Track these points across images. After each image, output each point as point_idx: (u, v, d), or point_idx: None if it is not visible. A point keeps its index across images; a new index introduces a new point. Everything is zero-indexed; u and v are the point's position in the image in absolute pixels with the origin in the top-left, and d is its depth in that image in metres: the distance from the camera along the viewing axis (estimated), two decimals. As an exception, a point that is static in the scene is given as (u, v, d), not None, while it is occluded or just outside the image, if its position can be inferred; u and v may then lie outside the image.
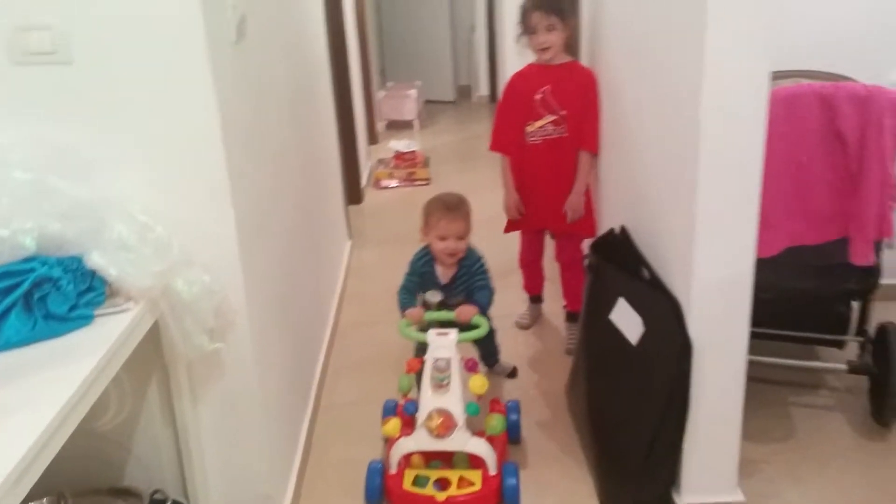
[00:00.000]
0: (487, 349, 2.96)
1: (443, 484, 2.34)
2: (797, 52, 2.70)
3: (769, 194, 2.04)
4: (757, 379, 2.49)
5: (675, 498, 2.25)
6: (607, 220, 3.01)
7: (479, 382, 2.42)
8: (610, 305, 2.32)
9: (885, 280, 2.70)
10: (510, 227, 3.39)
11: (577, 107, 3.09)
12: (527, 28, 3.07)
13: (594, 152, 3.13)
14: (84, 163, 1.73)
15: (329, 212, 3.87)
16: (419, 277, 2.72)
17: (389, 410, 2.70)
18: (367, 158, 6.45)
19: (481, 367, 2.61)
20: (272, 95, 2.55)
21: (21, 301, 1.54)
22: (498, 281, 2.76)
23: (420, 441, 2.35)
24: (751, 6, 1.84)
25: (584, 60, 3.39)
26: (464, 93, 9.75)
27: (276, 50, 2.67)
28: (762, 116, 1.93)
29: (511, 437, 2.63)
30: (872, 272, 2.55)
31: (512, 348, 3.17)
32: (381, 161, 6.48)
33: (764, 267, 2.09)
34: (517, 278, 3.56)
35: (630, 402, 2.26)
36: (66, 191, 1.67)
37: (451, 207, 2.64)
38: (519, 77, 3.26)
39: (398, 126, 8.13)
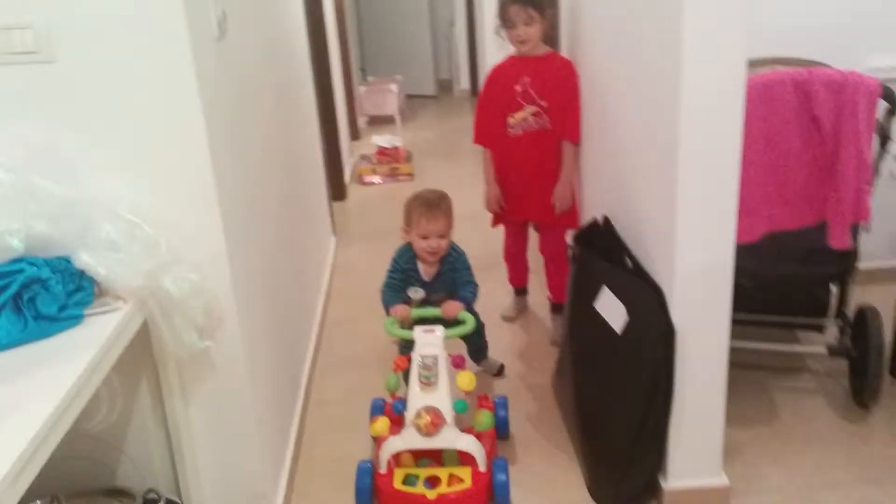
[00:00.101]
0: (476, 345, 2.96)
1: (433, 482, 2.34)
2: (774, 40, 2.74)
3: (747, 181, 2.07)
4: (739, 364, 2.52)
5: (662, 483, 2.29)
6: (590, 211, 3.04)
7: (466, 379, 2.42)
8: (594, 295, 2.35)
9: (863, 264, 2.76)
10: (497, 220, 3.42)
11: (558, 97, 3.12)
12: (505, 21, 3.08)
13: (576, 142, 3.16)
14: (68, 163, 1.74)
15: (313, 209, 3.88)
16: (402, 274, 2.71)
17: (377, 409, 2.69)
18: (349, 154, 6.46)
19: (468, 363, 2.60)
20: (255, 92, 2.56)
21: (11, 302, 1.55)
22: (483, 274, 2.77)
23: (409, 440, 2.35)
24: (727, -5, 1.87)
25: (564, 51, 3.42)
26: (445, 87, 9.76)
27: (257, 46, 2.67)
28: (740, 104, 1.96)
29: (500, 432, 2.64)
30: (850, 256, 2.60)
31: (498, 341, 3.19)
32: (363, 157, 6.48)
33: (744, 253, 2.13)
34: (502, 271, 3.59)
35: (615, 389, 2.29)
36: (52, 191, 1.67)
37: (432, 205, 2.64)
38: (499, 69, 3.28)
39: (380, 121, 8.13)
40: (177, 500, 2.04)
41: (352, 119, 7.12)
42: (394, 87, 8.19)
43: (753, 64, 2.14)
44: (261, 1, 2.80)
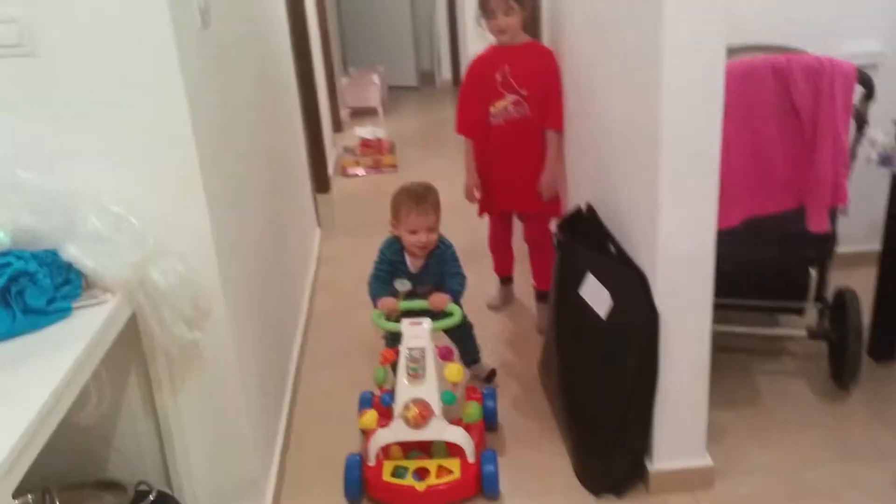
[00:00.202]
0: (466, 347, 2.93)
1: (422, 474, 2.35)
2: (752, 27, 2.77)
3: (728, 166, 2.10)
4: (721, 348, 2.56)
5: (647, 465, 2.32)
6: (573, 198, 3.07)
7: (454, 371, 2.43)
8: (578, 281, 2.37)
9: (841, 248, 2.80)
10: (482, 209, 3.44)
11: (538, 86, 3.14)
12: (485, 11, 3.09)
13: (559, 130, 3.18)
14: (52, 155, 1.74)
15: (298, 201, 3.89)
16: (389, 266, 2.69)
17: (365, 402, 2.70)
18: (332, 147, 6.46)
19: (456, 355, 2.61)
20: (238, 84, 2.56)
21: (-1, 296, 1.56)
22: (468, 264, 2.78)
23: (397, 432, 2.36)
24: (706, -18, 1.89)
25: (546, 40, 3.43)
26: (427, 78, 9.76)
27: (239, 38, 2.67)
28: (720, 90, 1.99)
29: (488, 424, 2.64)
30: (829, 239, 2.64)
31: (484, 329, 3.21)
32: (346, 149, 6.48)
33: (724, 239, 2.16)
34: (487, 261, 3.61)
35: (601, 374, 2.31)
36: (37, 184, 1.68)
37: (420, 199, 2.61)
38: (480, 59, 3.30)
39: (362, 113, 8.12)
40: (168, 491, 2.05)
41: (334, 111, 7.11)
42: (376, 79, 8.18)
43: (732, 51, 2.16)
44: (243, -7, 2.80)
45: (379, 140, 6.33)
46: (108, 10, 1.72)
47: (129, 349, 1.92)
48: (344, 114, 7.86)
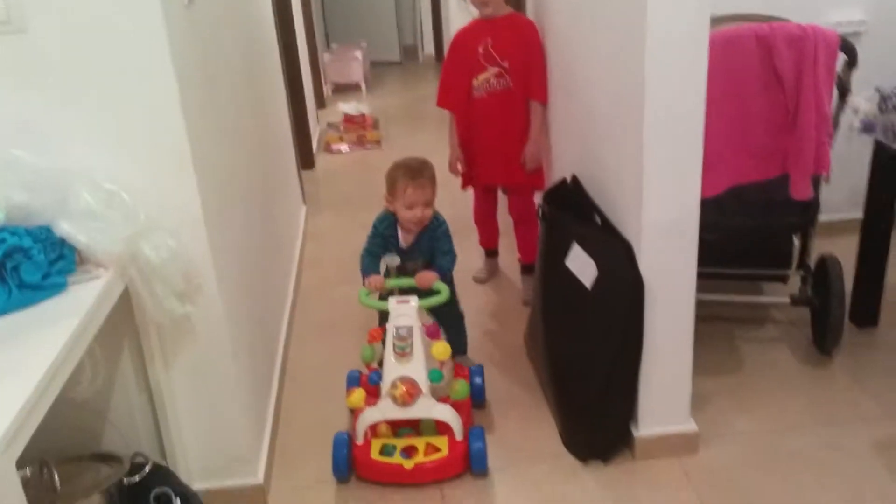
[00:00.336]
0: (454, 336, 2.82)
1: (410, 452, 2.36)
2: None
3: (711, 135, 2.12)
4: (705, 316, 2.61)
5: (633, 431, 2.36)
6: (558, 171, 3.09)
7: (441, 349, 2.42)
8: (564, 252, 2.40)
9: (824, 217, 2.84)
10: (465, 182, 3.46)
11: (519, 58, 3.15)
12: (467, -16, 3.11)
13: (543, 102, 3.20)
14: (44, 133, 1.76)
15: (283, 177, 3.89)
16: (382, 240, 2.67)
17: (353, 381, 2.70)
18: (316, 123, 6.44)
19: (443, 333, 2.60)
20: (224, 61, 2.56)
21: (-6, 272, 1.57)
22: (453, 238, 2.75)
23: (385, 410, 2.36)
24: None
25: (529, 12, 3.44)
26: (410, 53, 9.72)
27: (224, 15, 2.66)
28: (703, 59, 2.01)
29: (476, 400, 2.65)
30: (812, 206, 2.67)
31: (470, 302, 3.23)
32: (330, 125, 6.47)
33: (708, 207, 2.18)
34: (472, 234, 3.64)
35: (587, 342, 2.35)
36: (29, 162, 1.69)
37: (417, 174, 2.57)
38: (462, 33, 3.31)
39: (345, 89, 8.10)
40: (163, 463, 2.08)
41: (317, 87, 7.08)
42: (358, 54, 8.15)
43: (716, 21, 2.18)
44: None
45: (363, 116, 6.32)
46: (97, -15, 1.72)
47: (122, 324, 1.94)
48: (326, 90, 7.84)
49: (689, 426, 2.37)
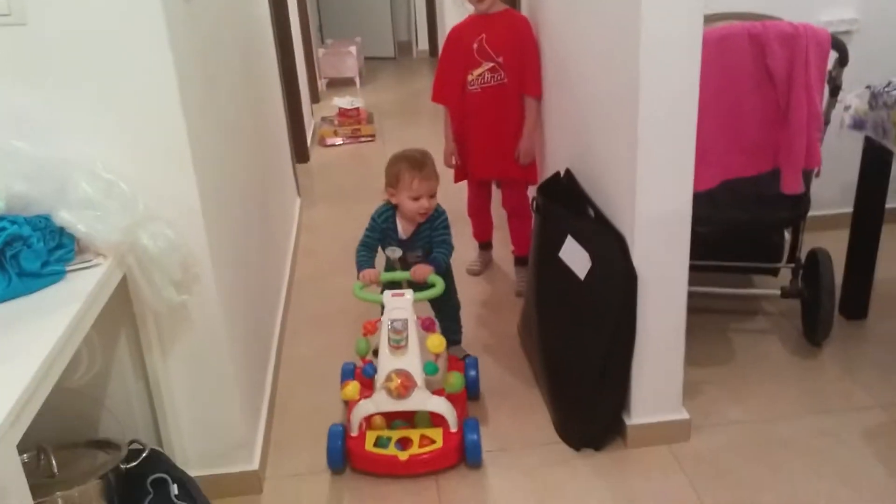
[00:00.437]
0: (449, 325, 2.86)
1: (404, 443, 2.37)
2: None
3: (704, 130, 2.14)
4: (698, 309, 2.64)
5: (625, 419, 2.39)
6: (552, 165, 3.11)
7: (436, 341, 2.42)
8: (558, 244, 2.42)
9: (815, 212, 2.88)
10: (458, 176, 3.49)
11: (513, 53, 3.18)
12: (464, -21, 3.14)
13: (537, 96, 3.22)
14: (43, 124, 1.76)
15: (279, 170, 3.90)
16: (380, 234, 2.67)
17: (348, 374, 2.70)
18: (310, 117, 6.46)
19: (438, 326, 2.61)
20: (222, 55, 2.58)
21: (-6, 260, 1.59)
22: None
23: (380, 403, 2.37)
24: (684, -50, 1.93)
25: (524, 8, 3.46)
26: (404, 48, 9.73)
27: (222, 9, 2.68)
28: (697, 56, 2.03)
29: (470, 393, 2.65)
30: (802, 200, 2.70)
31: (464, 293, 3.24)
32: (324, 119, 6.47)
33: (700, 201, 2.21)
34: (466, 227, 3.66)
35: (580, 333, 2.38)
36: (28, 152, 1.70)
37: (422, 165, 2.57)
38: (457, 29, 3.33)
39: (339, 84, 8.11)
40: (160, 449, 2.10)
41: (312, 82, 7.09)
42: (353, 50, 8.15)
43: (710, 19, 2.21)
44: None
45: (357, 110, 6.32)
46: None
47: (120, 312, 1.96)
48: (321, 84, 7.85)
49: (681, 415, 2.40)
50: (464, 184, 3.54)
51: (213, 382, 2.17)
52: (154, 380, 2.07)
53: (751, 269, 3.07)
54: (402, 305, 2.40)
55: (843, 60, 2.61)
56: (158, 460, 2.02)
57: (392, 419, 2.46)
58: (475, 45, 3.19)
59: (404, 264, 2.63)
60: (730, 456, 2.34)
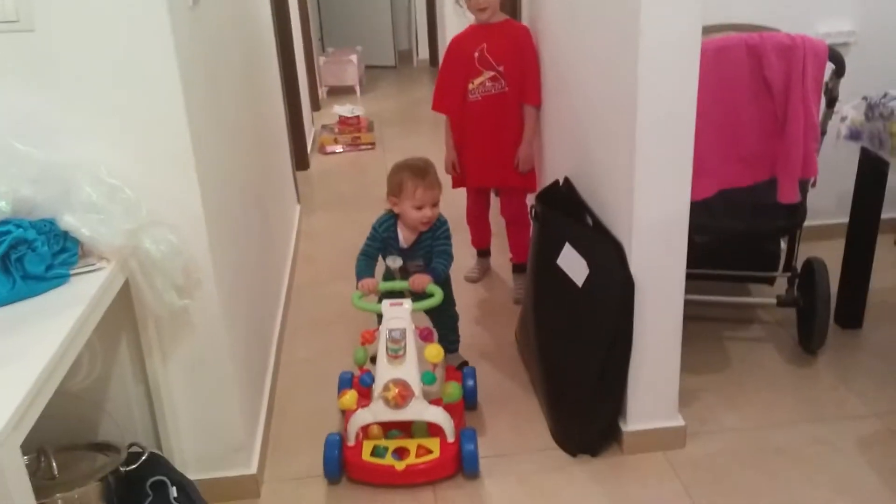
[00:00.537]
0: (446, 335, 2.85)
1: (401, 453, 2.36)
2: (728, 7, 2.85)
3: (702, 140, 2.17)
4: (695, 317, 2.66)
5: (622, 426, 2.41)
6: (551, 173, 3.14)
7: (434, 351, 2.42)
8: (556, 251, 2.44)
9: (811, 221, 2.90)
10: (456, 183, 3.51)
11: (514, 62, 3.21)
12: (465, -11, 3.17)
13: (537, 105, 3.25)
14: (49, 128, 1.79)
15: (279, 177, 3.92)
16: (381, 243, 2.67)
17: (345, 383, 2.69)
18: (311, 124, 6.48)
19: (436, 336, 2.61)
20: (225, 62, 2.60)
21: (-1, 263, 1.61)
22: None
23: (377, 412, 2.36)
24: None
25: (525, 18, 3.49)
26: (404, 57, 9.76)
27: (225, 17, 2.70)
28: (695, 67, 2.06)
29: (468, 403, 2.64)
30: (799, 210, 2.73)
31: (463, 301, 3.25)
32: (325, 127, 6.50)
33: (697, 210, 2.23)
34: (465, 234, 3.68)
35: (577, 340, 2.39)
36: (34, 156, 1.72)
37: (425, 174, 2.57)
38: (458, 39, 3.37)
39: (340, 92, 8.13)
40: (159, 452, 2.11)
41: (313, 90, 7.11)
42: (354, 58, 8.18)
43: (708, 30, 2.23)
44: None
45: (357, 118, 6.35)
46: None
47: (121, 316, 1.97)
48: (321, 92, 7.87)
49: (677, 421, 2.42)
50: (462, 192, 3.56)
51: (212, 386, 2.19)
52: (154, 384, 2.09)
53: (747, 277, 3.10)
54: (400, 315, 2.40)
55: (839, 72, 2.64)
56: (158, 463, 2.03)
57: (389, 429, 2.45)
58: (476, 54, 3.22)
59: (405, 273, 2.62)
60: (725, 463, 2.36)
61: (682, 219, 2.20)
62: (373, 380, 2.41)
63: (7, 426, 1.22)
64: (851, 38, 3.48)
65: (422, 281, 2.54)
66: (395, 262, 2.63)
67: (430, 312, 2.65)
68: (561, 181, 2.77)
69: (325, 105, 7.47)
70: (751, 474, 2.31)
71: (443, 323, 2.82)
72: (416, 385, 2.35)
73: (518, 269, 3.50)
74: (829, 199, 3.34)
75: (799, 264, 2.90)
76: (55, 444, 1.90)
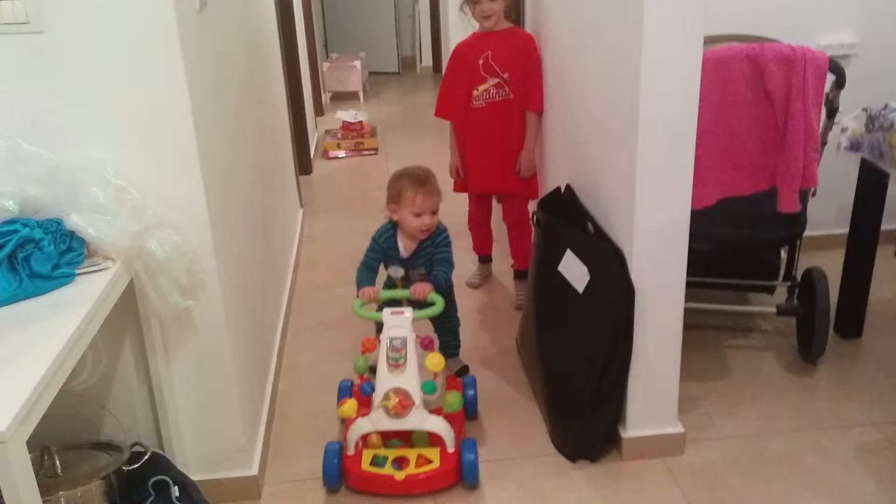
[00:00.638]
0: (448, 340, 2.87)
1: (401, 463, 2.35)
2: (730, 18, 2.87)
3: (703, 149, 2.19)
4: (694, 325, 2.68)
5: (621, 432, 2.42)
6: (553, 180, 3.15)
7: (435, 360, 2.41)
8: (558, 258, 2.45)
9: (812, 232, 2.92)
10: (458, 187, 3.53)
11: (518, 69, 3.23)
12: (470, -3, 3.19)
13: (539, 112, 3.27)
14: (57, 130, 1.81)
15: (282, 181, 3.94)
16: (381, 254, 2.67)
17: (345, 391, 2.68)
18: (314, 129, 6.51)
19: (437, 345, 2.60)
20: (231, 66, 2.62)
21: (6, 261, 1.63)
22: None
23: (377, 421, 2.35)
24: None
25: (528, 27, 3.52)
26: (408, 64, 9.79)
27: (231, 21, 2.73)
28: (696, 77, 2.08)
29: (468, 412, 2.62)
30: (799, 220, 2.75)
31: (464, 307, 3.27)
32: (328, 132, 6.53)
33: (698, 218, 2.25)
34: (467, 240, 3.70)
35: (578, 346, 2.41)
36: (41, 157, 1.75)
37: (424, 181, 2.57)
38: (463, 46, 3.39)
39: (343, 97, 8.16)
40: (161, 452, 2.12)
41: (316, 95, 7.14)
42: (357, 64, 8.21)
43: (710, 40, 2.25)
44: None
45: (360, 123, 6.37)
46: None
47: (125, 316, 2.00)
48: (325, 98, 7.90)
49: (676, 428, 2.43)
50: (463, 199, 3.58)
51: (214, 387, 2.21)
52: (157, 384, 2.10)
53: (747, 286, 3.11)
54: (401, 323, 2.39)
55: (840, 83, 2.66)
56: (160, 463, 2.05)
57: (389, 438, 2.44)
58: (481, 61, 3.25)
59: (407, 283, 2.62)
60: (724, 470, 2.37)
61: (682, 227, 2.21)
62: (373, 388, 2.40)
63: (14, 422, 1.24)
64: (853, 50, 3.50)
65: (422, 289, 2.53)
66: (397, 272, 2.63)
67: (432, 318, 2.65)
68: (563, 188, 2.78)
69: (329, 110, 7.50)
70: (749, 482, 2.32)
71: (445, 328, 2.83)
72: (416, 394, 2.34)
73: (519, 275, 3.52)
74: (829, 210, 3.36)
75: (799, 274, 2.91)
76: (59, 443, 1.93)
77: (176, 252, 1.90)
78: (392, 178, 2.65)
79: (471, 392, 2.67)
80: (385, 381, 2.35)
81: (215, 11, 2.34)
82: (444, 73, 3.53)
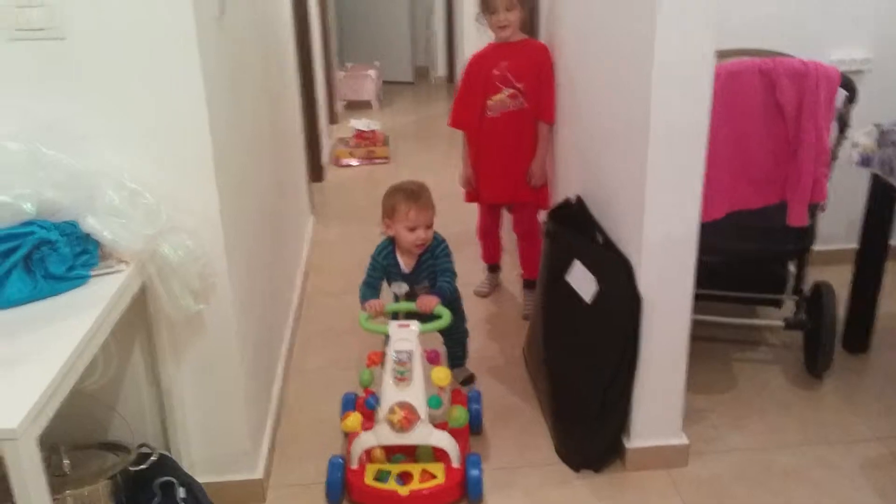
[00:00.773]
0: (455, 351, 2.87)
1: (405, 478, 2.32)
2: (742, 33, 2.88)
3: (713, 162, 2.20)
4: (702, 337, 2.68)
5: (625, 442, 2.43)
6: (563, 191, 3.17)
7: (441, 374, 2.39)
8: (566, 268, 2.47)
9: (821, 246, 2.92)
10: (469, 197, 3.56)
11: (533, 80, 3.25)
12: (487, 7, 3.21)
13: (551, 122, 3.29)
14: (75, 134, 1.83)
15: (294, 188, 3.97)
16: (382, 272, 2.65)
17: (349, 404, 2.67)
18: (327, 137, 6.54)
19: (443, 359, 2.60)
20: (247, 73, 2.65)
21: (22, 262, 1.66)
22: (457, 251, 2.78)
23: (381, 436, 2.33)
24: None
25: (543, 38, 3.54)
26: (422, 73, 9.83)
27: (249, 29, 2.76)
28: (708, 90, 2.09)
29: (473, 427, 2.61)
30: (808, 234, 2.75)
31: (472, 315, 3.26)
32: (340, 140, 6.56)
33: (707, 231, 2.26)
34: (476, 249, 3.72)
35: (584, 356, 2.42)
36: (60, 161, 1.78)
37: (418, 196, 2.57)
38: (478, 56, 3.41)
39: (357, 106, 8.20)
40: (168, 454, 2.14)
41: (330, 103, 7.17)
42: (371, 73, 8.26)
43: (722, 55, 2.26)
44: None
45: (373, 132, 6.40)
46: (134, -3, 1.81)
47: (136, 319, 2.02)
48: (338, 106, 7.94)
49: (681, 440, 2.43)
50: (472, 208, 3.61)
51: (221, 391, 2.23)
52: (166, 386, 2.13)
53: (755, 299, 3.11)
54: (407, 337, 2.38)
55: (851, 98, 2.66)
56: (166, 464, 2.06)
57: (393, 453, 2.42)
58: (496, 72, 3.27)
59: (412, 298, 2.61)
60: (728, 483, 2.37)
61: (691, 238, 2.22)
62: (378, 402, 2.39)
63: (26, 419, 1.26)
64: (866, 66, 3.50)
65: (429, 302, 2.52)
66: (401, 289, 2.63)
67: (440, 330, 2.65)
68: (573, 199, 2.80)
69: (342, 118, 7.53)
70: (755, 495, 2.32)
71: (452, 340, 2.83)
72: (422, 409, 2.32)
73: (529, 284, 3.52)
74: (839, 225, 3.36)
75: (807, 288, 2.92)
76: (67, 443, 1.95)
77: (189, 256, 1.93)
78: (386, 194, 2.65)
79: (476, 406, 2.66)
80: (390, 394, 2.34)
81: (233, 18, 2.37)
82: (459, 83, 3.55)
